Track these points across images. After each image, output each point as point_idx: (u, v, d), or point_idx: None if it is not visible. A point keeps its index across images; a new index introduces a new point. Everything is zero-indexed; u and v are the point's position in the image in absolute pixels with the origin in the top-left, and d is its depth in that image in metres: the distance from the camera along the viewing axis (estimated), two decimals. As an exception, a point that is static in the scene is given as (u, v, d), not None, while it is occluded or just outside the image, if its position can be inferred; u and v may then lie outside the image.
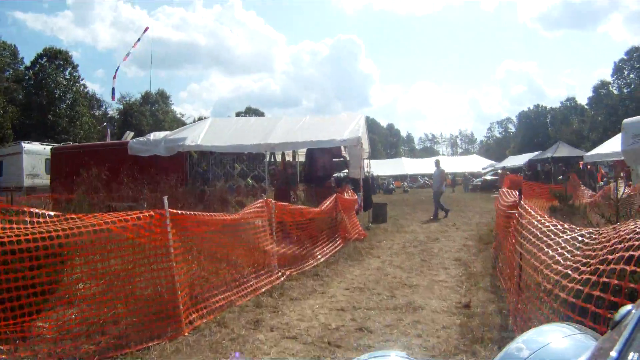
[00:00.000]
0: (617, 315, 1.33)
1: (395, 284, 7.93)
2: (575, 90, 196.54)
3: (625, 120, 22.83)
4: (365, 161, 17.54)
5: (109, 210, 13.37)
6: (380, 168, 66.56)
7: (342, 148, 16.95)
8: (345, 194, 13.41)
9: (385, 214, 18.74)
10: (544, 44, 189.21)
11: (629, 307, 1.34)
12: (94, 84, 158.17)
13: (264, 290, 7.21)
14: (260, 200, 7.90)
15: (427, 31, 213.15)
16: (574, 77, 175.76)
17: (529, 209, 5.79)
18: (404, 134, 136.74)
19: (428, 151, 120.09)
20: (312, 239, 10.01)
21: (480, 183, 44.94)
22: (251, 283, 7.01)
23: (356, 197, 14.01)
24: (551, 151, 32.63)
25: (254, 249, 7.46)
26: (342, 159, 17.63)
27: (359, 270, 9.11)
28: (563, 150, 31.94)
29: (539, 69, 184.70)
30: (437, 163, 20.57)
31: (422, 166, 69.97)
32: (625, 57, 74.89)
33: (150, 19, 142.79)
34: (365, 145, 17.67)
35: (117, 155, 17.11)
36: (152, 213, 5.32)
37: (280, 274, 7.97)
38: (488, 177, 46.59)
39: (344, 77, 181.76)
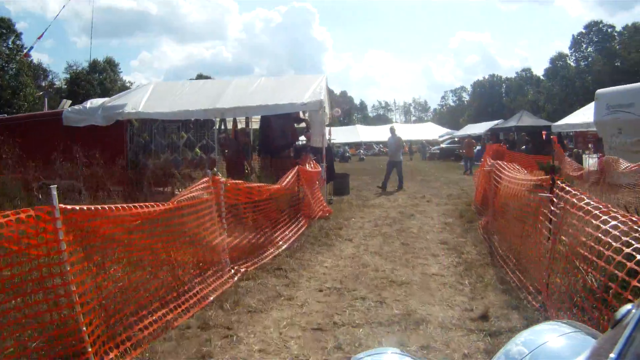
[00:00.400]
0: (618, 314, 1.23)
1: (379, 280, 6.31)
2: (529, 62, 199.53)
3: (598, 91, 21.76)
4: (326, 128, 15.84)
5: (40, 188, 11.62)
6: (335, 135, 64.82)
7: (302, 113, 15.19)
8: (307, 166, 11.68)
9: (348, 186, 17.20)
10: (500, 16, 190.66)
11: (629, 306, 1.23)
12: (42, 53, 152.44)
13: (212, 298, 5.42)
14: (205, 179, 6.07)
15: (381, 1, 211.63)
16: (527, 49, 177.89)
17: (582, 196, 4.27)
18: (357, 101, 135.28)
19: (382, 119, 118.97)
20: (272, 221, 8.25)
21: (438, 151, 44.00)
22: (195, 290, 5.22)
23: (319, 168, 12.29)
24: (515, 120, 31.56)
25: (197, 244, 5.71)
26: (302, 126, 15.86)
27: (330, 260, 7.48)
28: (526, 120, 30.94)
29: (493, 40, 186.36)
30: (393, 130, 18.94)
31: (377, 133, 68.80)
32: (584, 31, 75.68)
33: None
34: (327, 110, 15.99)
35: (51, 127, 14.92)
36: (33, 213, 3.46)
37: (233, 272, 6.22)
38: (445, 145, 45.71)
39: (297, 45, 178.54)
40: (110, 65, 72.65)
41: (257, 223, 7.57)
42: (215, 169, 14.63)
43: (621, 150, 19.10)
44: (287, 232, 8.51)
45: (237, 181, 6.75)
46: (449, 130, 57.34)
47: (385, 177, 18.03)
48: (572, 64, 76.84)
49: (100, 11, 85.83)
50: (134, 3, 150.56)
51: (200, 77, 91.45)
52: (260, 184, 8.13)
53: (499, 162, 9.16)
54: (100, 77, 66.95)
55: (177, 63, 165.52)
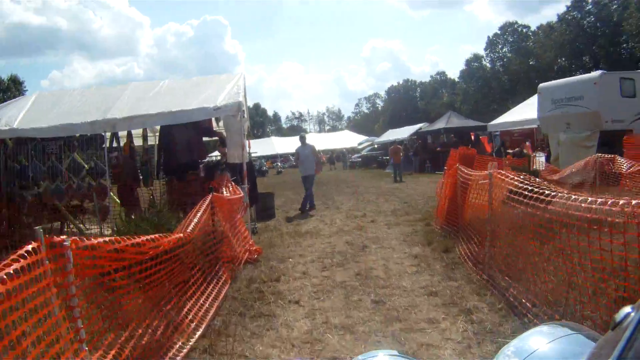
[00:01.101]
0: (618, 316, 1.21)
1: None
2: (440, 67, 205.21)
3: (541, 85, 20.02)
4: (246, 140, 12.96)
5: None
6: (252, 149, 61.81)
7: (215, 123, 12.16)
8: (225, 190, 8.66)
9: (273, 207, 14.38)
10: (410, 23, 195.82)
11: (628, 308, 1.22)
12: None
13: None
14: (31, 246, 3.01)
15: (294, 11, 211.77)
16: (438, 54, 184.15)
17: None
18: (270, 113, 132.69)
19: (296, 129, 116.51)
20: (176, 290, 5.20)
21: (359, 159, 41.96)
22: None
23: (240, 193, 9.26)
24: (443, 121, 29.79)
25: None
26: (215, 138, 12.79)
27: (276, 350, 4.58)
28: (455, 121, 29.24)
29: (404, 47, 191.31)
30: (303, 138, 16.00)
31: (292, 145, 66.15)
32: (499, 32, 77.31)
33: (11, 2, 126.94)
34: (247, 115, 13.14)
35: None
36: None
37: None
38: (366, 153, 43.80)
39: (209, 59, 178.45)
40: (15, 84, 66.65)
41: (148, 301, 4.48)
42: (107, 200, 11.35)
43: (570, 146, 17.48)
44: (201, 301, 5.43)
45: (95, 241, 3.55)
46: (368, 137, 55.62)
47: (305, 198, 15.35)
48: (487, 64, 78.25)
49: (10, 28, 78.71)
50: (43, 18, 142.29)
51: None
52: (144, 237, 4.67)
53: (461, 166, 6.63)
54: (3, 97, 60.34)
55: (88, 81, 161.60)
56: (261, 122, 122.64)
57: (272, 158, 61.19)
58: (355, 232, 10.61)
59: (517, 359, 1.48)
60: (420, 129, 35.23)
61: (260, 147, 65.57)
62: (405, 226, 10.85)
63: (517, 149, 23.70)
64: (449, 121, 28.78)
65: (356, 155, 44.74)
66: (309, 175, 15.18)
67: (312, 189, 15.38)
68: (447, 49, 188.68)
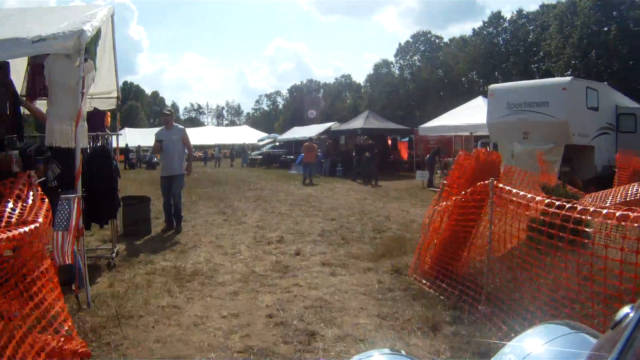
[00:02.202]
0: (617, 316, 1.22)
1: None
2: (342, 71, 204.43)
3: (493, 86, 16.06)
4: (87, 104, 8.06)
5: None
6: (143, 138, 55.30)
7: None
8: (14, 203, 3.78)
9: (149, 219, 9.51)
10: (317, 27, 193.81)
11: (628, 308, 1.22)
12: None
13: None
14: None
15: (201, 3, 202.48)
16: (342, 59, 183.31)
17: None
18: (168, 102, 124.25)
19: (193, 121, 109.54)
20: None
21: (260, 157, 37.22)
22: None
23: (48, 214, 4.32)
24: (360, 121, 25.64)
25: None
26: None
27: None
28: (373, 122, 25.24)
29: (309, 50, 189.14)
30: (167, 117, 9.81)
31: (190, 136, 60.30)
32: (410, 40, 75.58)
33: None
34: (109, 76, 8.36)
35: None
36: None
37: None
38: (268, 150, 39.17)
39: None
40: None
41: None
42: None
43: (527, 159, 14.06)
44: None
45: None
46: (269, 134, 50.98)
47: (166, 211, 9.81)
48: (396, 71, 76.51)
49: None
50: None
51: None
52: None
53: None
54: None
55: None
56: (158, 112, 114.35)
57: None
58: (277, 281, 6.09)
59: (516, 358, 1.40)
60: (330, 128, 31.20)
61: (152, 138, 59.07)
62: (360, 272, 6.46)
63: (448, 159, 20.27)
64: (367, 121, 24.83)
65: (256, 152, 39.89)
66: (176, 176, 9.42)
67: (179, 201, 9.62)
68: (351, 56, 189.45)
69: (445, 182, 6.19)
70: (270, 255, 7.52)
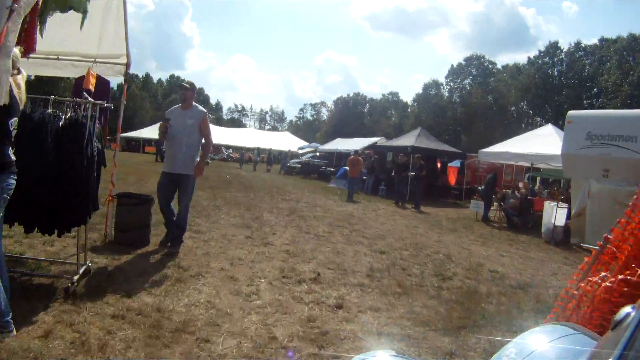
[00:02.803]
0: (618, 316, 1.23)
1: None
2: (389, 89, 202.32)
3: (572, 113, 13.42)
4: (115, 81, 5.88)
5: None
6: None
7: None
8: None
9: (149, 225, 7.24)
10: (368, 42, 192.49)
11: (629, 308, 1.24)
12: None
13: None
14: None
15: (257, 8, 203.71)
16: (389, 77, 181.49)
17: None
18: (213, 101, 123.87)
19: (236, 123, 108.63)
20: None
21: (299, 165, 34.96)
22: None
23: None
24: (411, 138, 23.07)
25: None
26: None
27: None
28: (424, 141, 22.69)
29: (358, 64, 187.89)
30: (186, 91, 7.08)
31: (228, 136, 58.89)
32: (463, 62, 72.61)
33: None
34: (116, 38, 6.31)
35: None
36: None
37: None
38: (307, 159, 36.90)
39: (164, 36, 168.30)
40: None
41: None
42: None
43: (605, 200, 11.59)
44: None
45: None
46: (309, 143, 48.81)
47: (165, 218, 7.18)
48: (445, 93, 73.65)
49: None
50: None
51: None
52: None
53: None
54: None
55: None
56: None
57: (204, 146, 53.37)
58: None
59: (518, 358, 1.39)
60: (376, 143, 28.77)
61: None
62: (438, 357, 4.06)
63: (507, 190, 17.59)
64: (418, 139, 22.31)
65: (295, 160, 37.64)
66: (182, 176, 6.82)
67: (186, 211, 7.01)
68: (399, 74, 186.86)
69: (607, 239, 3.70)
70: (301, 304, 5.15)
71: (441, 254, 9.07)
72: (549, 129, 17.73)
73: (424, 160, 19.77)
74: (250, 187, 19.90)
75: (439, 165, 25.11)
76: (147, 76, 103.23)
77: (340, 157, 32.32)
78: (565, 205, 12.94)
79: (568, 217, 12.82)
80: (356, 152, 22.10)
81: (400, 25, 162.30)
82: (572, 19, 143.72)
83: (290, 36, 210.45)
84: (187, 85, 7.09)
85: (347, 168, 23.19)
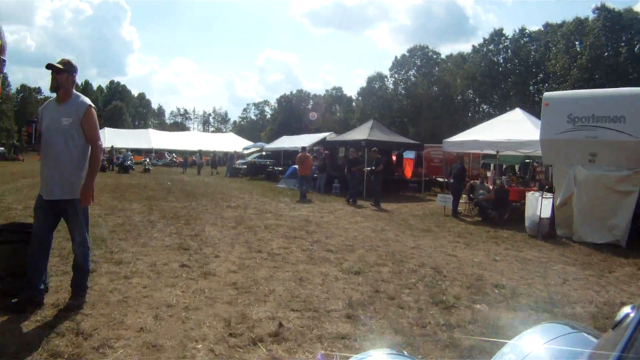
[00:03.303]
0: (618, 316, 1.22)
1: None
2: (332, 85, 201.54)
3: (549, 94, 11.78)
4: None
5: None
6: (124, 139, 50.70)
7: None
8: None
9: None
10: (309, 39, 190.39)
11: (629, 308, 1.22)
12: None
13: None
14: None
15: (195, 9, 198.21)
16: (332, 74, 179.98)
17: None
18: (155, 105, 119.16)
19: (179, 126, 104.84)
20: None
21: (245, 166, 32.67)
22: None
23: None
24: (363, 131, 21.03)
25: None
26: None
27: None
28: (378, 134, 20.76)
29: (299, 61, 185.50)
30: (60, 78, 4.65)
31: (171, 141, 56.02)
32: (407, 54, 71.74)
33: None
34: None
35: None
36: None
37: None
38: (253, 159, 34.68)
39: (104, 41, 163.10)
40: None
41: None
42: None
43: (595, 187, 10.20)
44: None
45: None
46: (257, 143, 46.54)
47: (32, 271, 4.60)
48: (390, 85, 72.46)
49: None
50: None
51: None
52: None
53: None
54: None
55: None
56: (144, 114, 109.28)
57: (146, 152, 50.46)
58: None
59: (516, 358, 1.37)
60: (325, 138, 26.88)
61: (134, 139, 54.52)
62: None
63: (474, 182, 16.08)
64: (372, 132, 20.52)
65: (241, 161, 35.27)
66: (67, 202, 4.59)
67: (83, 231, 4.71)
68: (341, 70, 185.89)
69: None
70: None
71: (427, 267, 7.28)
72: (517, 114, 16.28)
73: (380, 154, 18.10)
74: (192, 194, 17.66)
75: (393, 158, 23.47)
76: (87, 83, 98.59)
77: (288, 156, 30.34)
78: (550, 195, 11.44)
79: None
80: (304, 148, 20.15)
81: (340, 21, 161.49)
82: (511, 7, 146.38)
83: (230, 36, 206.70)
84: (60, 66, 4.69)
85: (296, 167, 21.27)
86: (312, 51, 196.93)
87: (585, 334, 1.45)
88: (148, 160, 39.85)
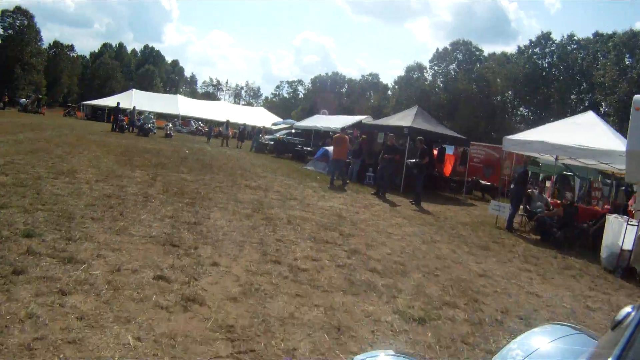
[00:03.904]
0: (618, 316, 1.18)
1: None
2: (367, 71, 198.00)
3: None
4: None
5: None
6: (151, 103, 48.67)
7: None
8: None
9: None
10: (348, 25, 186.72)
11: (629, 308, 1.18)
12: None
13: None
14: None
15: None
16: (367, 61, 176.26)
17: None
18: (187, 74, 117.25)
19: (210, 96, 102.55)
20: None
21: (271, 142, 30.24)
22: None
23: None
24: (407, 118, 18.26)
25: None
26: None
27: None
28: (421, 122, 17.99)
29: (336, 46, 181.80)
30: None
31: (200, 109, 53.76)
32: (449, 48, 68.20)
33: None
34: None
35: None
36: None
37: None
38: (281, 136, 32.16)
39: (141, 7, 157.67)
40: None
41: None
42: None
43: None
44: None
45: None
46: (286, 120, 44.13)
47: None
48: (429, 77, 69.34)
49: None
50: None
51: (18, 9, 68.35)
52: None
53: None
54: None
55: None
56: (175, 81, 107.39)
57: (171, 118, 48.49)
58: None
59: (520, 358, 1.36)
60: (361, 122, 24.28)
61: (161, 103, 52.47)
62: None
63: (532, 190, 13.50)
64: (416, 120, 17.93)
65: (268, 136, 32.85)
66: None
67: None
68: (377, 59, 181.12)
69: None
70: None
71: (513, 315, 4.92)
72: (591, 117, 13.58)
73: (427, 145, 15.62)
74: (208, 166, 15.40)
75: (434, 152, 20.81)
76: (121, 46, 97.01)
77: (319, 137, 27.91)
78: (635, 222, 8.85)
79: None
80: (343, 129, 17.72)
81: (381, 10, 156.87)
82: (554, 15, 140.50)
83: (269, 15, 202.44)
84: None
85: (327, 149, 18.82)
86: (349, 37, 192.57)
87: (586, 335, 1.41)
88: (170, 125, 37.73)
